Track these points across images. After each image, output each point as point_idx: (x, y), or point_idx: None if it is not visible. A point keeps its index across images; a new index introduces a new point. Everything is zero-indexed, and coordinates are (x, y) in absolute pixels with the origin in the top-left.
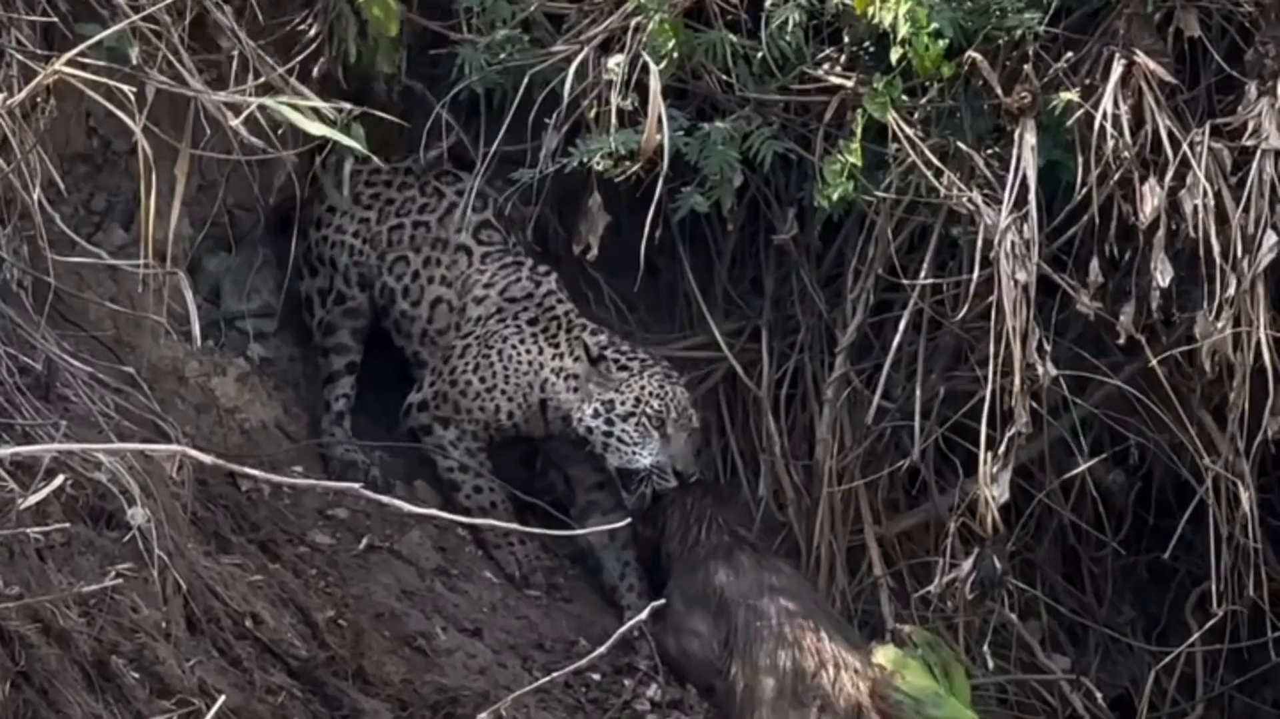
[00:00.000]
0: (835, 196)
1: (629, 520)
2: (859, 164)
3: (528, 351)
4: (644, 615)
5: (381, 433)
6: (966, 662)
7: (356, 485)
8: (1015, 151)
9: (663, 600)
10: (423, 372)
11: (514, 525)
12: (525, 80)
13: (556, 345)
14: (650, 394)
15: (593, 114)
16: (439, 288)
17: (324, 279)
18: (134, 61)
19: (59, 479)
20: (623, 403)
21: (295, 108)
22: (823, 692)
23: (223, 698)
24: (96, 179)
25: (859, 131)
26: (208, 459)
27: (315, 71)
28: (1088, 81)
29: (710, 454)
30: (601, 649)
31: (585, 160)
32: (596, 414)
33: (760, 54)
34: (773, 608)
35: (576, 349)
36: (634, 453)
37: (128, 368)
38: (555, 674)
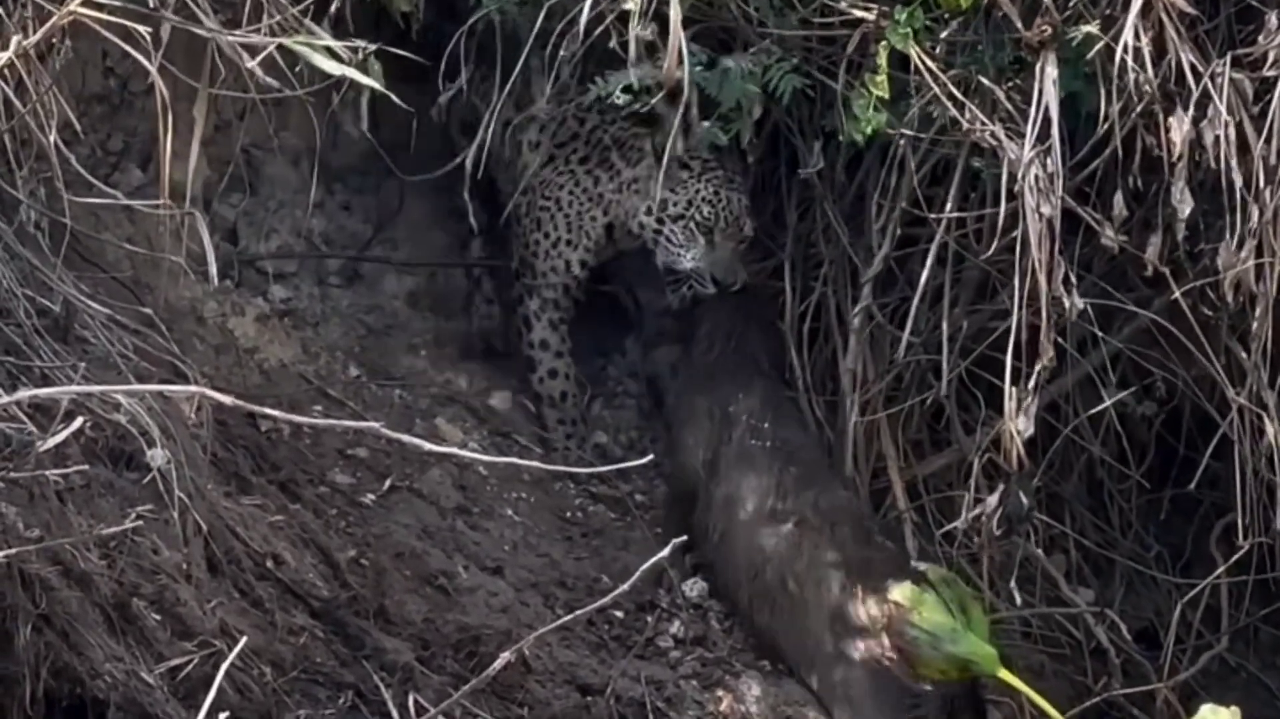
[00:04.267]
0: (870, 131)
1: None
2: (886, 96)
3: (584, 190)
4: (665, 554)
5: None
6: (990, 596)
7: (377, 425)
8: (1036, 85)
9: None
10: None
11: (542, 465)
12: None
13: (611, 165)
14: (703, 200)
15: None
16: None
17: None
18: (150, 2)
19: (78, 421)
20: (675, 204)
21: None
22: (800, 510)
23: (244, 639)
24: (113, 120)
25: (884, 64)
26: (228, 400)
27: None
28: (1108, 13)
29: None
30: (624, 587)
31: (605, 95)
32: (649, 212)
33: None
34: (771, 429)
35: (633, 155)
36: (679, 254)
37: (146, 309)
38: (579, 613)
